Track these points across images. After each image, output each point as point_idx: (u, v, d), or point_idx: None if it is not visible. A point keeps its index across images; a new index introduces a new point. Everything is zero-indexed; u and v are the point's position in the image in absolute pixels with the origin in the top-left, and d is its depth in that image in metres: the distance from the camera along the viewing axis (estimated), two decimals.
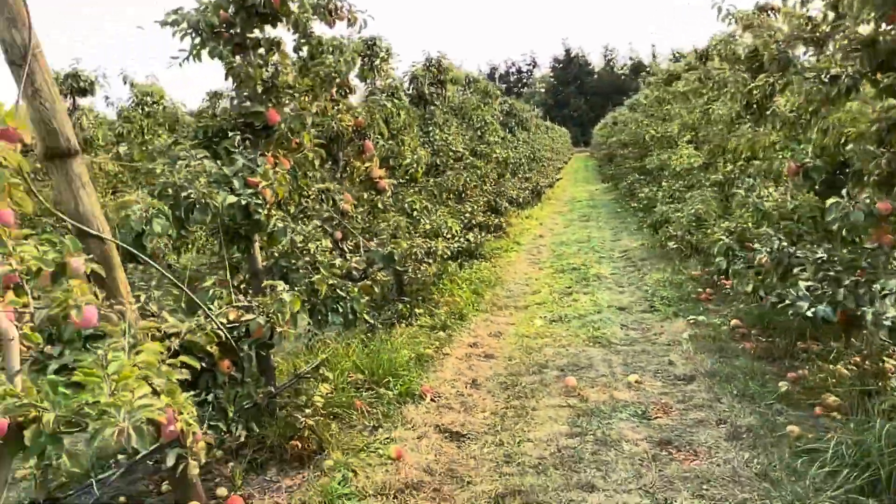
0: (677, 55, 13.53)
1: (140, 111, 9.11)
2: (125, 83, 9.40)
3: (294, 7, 4.45)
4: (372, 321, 4.51)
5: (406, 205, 6.57)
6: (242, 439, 3.72)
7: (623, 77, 68.76)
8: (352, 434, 3.91)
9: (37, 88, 2.64)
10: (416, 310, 6.43)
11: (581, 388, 4.50)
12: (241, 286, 4.43)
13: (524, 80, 75.42)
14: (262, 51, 4.44)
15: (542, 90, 70.97)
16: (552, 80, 73.07)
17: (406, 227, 5.79)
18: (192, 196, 3.39)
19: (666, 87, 12.93)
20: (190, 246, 7.11)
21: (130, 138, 8.61)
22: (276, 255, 4.45)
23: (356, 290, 4.28)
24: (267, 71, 4.25)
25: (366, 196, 5.64)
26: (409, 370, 4.72)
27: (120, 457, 3.47)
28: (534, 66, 77.31)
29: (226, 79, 4.53)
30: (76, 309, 2.06)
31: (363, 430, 3.98)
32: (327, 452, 3.64)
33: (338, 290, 4.13)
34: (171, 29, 4.15)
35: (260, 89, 4.32)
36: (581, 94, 69.22)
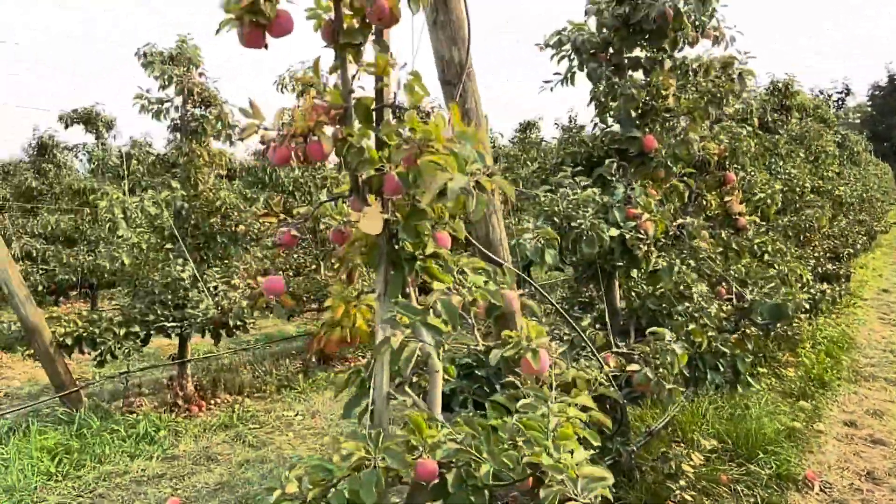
0: None
1: None
2: None
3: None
4: (757, 386, 3.86)
5: (756, 246, 5.72)
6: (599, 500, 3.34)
7: None
8: None
9: (467, 109, 2.55)
10: (759, 369, 5.54)
11: None
12: (596, 325, 4.10)
13: (835, 111, 66.51)
14: (638, 72, 4.11)
15: (857, 121, 61.85)
16: (869, 109, 63.29)
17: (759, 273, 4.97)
18: (581, 226, 3.11)
19: None
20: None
21: None
22: (638, 294, 4.03)
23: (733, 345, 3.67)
24: (647, 93, 3.87)
25: (723, 234, 4.96)
26: (780, 446, 3.93)
27: None
28: (846, 94, 67.85)
29: (589, 104, 4.29)
30: (532, 353, 1.81)
31: None
32: None
33: (716, 344, 3.55)
34: (550, 51, 4.02)
35: (634, 114, 3.97)
36: None
